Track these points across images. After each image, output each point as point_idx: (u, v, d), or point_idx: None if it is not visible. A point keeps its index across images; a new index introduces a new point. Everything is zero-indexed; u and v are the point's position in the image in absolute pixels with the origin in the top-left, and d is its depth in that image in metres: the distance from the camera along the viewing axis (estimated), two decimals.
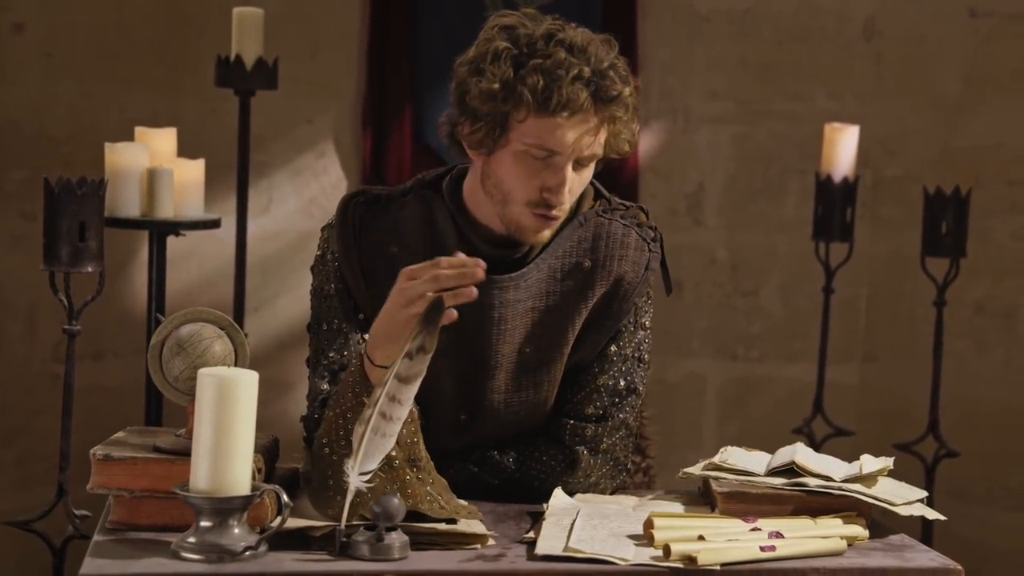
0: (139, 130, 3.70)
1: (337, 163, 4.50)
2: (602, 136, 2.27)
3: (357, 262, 2.33)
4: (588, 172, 2.31)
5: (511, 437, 2.37)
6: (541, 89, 2.21)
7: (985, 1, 4.47)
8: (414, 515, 2.09)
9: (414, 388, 2.06)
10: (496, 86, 2.23)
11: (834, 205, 4.06)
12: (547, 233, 2.31)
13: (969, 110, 4.50)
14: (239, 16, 3.86)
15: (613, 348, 2.37)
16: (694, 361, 4.60)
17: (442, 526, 2.10)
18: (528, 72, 2.22)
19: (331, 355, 2.31)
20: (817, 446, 3.98)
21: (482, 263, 2.08)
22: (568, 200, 2.28)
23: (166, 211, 3.57)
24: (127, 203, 3.54)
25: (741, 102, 4.56)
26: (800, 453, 2.28)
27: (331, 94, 4.48)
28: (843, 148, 4.07)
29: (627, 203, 2.42)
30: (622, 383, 2.37)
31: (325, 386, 2.29)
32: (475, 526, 2.13)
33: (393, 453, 2.11)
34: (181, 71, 4.35)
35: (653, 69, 4.52)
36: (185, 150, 3.73)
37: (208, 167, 3.74)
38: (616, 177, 4.45)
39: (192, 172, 3.66)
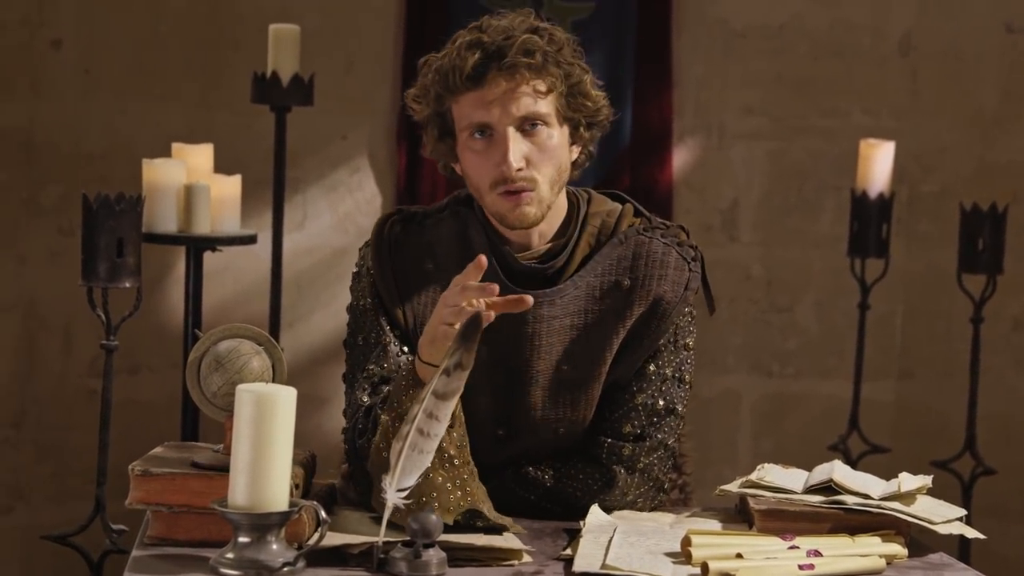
0: (176, 146, 3.72)
1: (372, 179, 4.51)
2: (530, 92, 2.24)
3: (392, 279, 2.34)
4: (548, 138, 2.27)
5: (548, 454, 2.37)
6: (441, 72, 2.27)
7: (1021, 16, 4.45)
8: (465, 520, 2.12)
9: (452, 405, 2.06)
10: (417, 89, 2.32)
11: (870, 221, 4.05)
12: (530, 210, 2.27)
13: (1006, 125, 4.48)
14: (275, 32, 3.88)
15: (652, 367, 2.36)
16: (729, 377, 4.59)
17: (480, 542, 2.10)
18: (436, 64, 2.29)
19: (370, 367, 2.32)
20: (853, 463, 3.96)
21: (529, 299, 2.12)
22: (531, 170, 2.26)
23: (203, 227, 3.59)
24: (164, 219, 3.56)
25: (776, 118, 4.55)
26: (838, 471, 2.27)
27: (366, 110, 4.50)
28: (879, 164, 4.06)
29: (667, 222, 2.40)
30: (661, 403, 2.36)
31: (365, 398, 2.29)
32: (512, 542, 2.13)
33: (453, 451, 2.13)
34: (217, 87, 4.37)
35: (688, 85, 4.52)
36: (221, 166, 3.74)
37: (244, 183, 3.75)
38: (651, 193, 4.45)
39: (228, 188, 3.67)
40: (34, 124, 4.24)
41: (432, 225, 2.37)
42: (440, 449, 2.10)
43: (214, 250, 3.68)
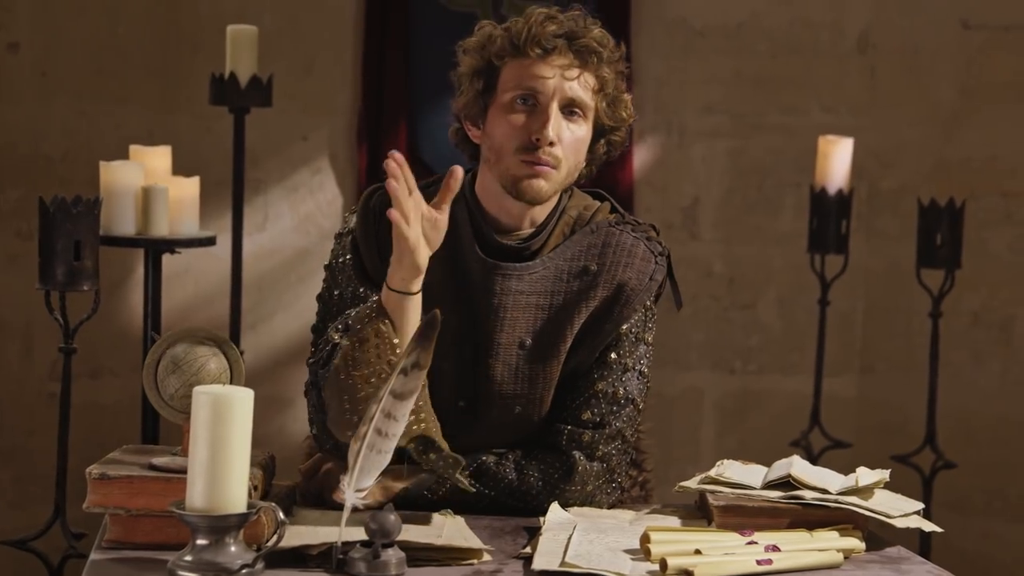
0: (134, 148, 3.70)
1: (333, 179, 4.50)
2: (584, 81, 2.34)
3: (375, 245, 2.37)
4: (581, 130, 2.35)
5: (508, 443, 2.38)
6: (514, 32, 2.34)
7: (978, 13, 4.48)
8: (418, 448, 2.17)
9: (409, 404, 2.06)
10: (477, 40, 2.38)
11: (829, 218, 4.06)
12: (543, 185, 2.33)
13: (963, 122, 4.50)
14: (233, 34, 3.87)
15: (613, 355, 2.40)
16: (692, 374, 4.60)
17: (438, 542, 2.10)
18: (505, 24, 2.37)
19: (348, 312, 2.33)
20: (815, 458, 3.98)
21: (458, 170, 2.23)
22: (560, 149, 2.33)
23: (161, 229, 3.58)
24: (122, 221, 3.54)
25: (736, 116, 4.57)
26: (796, 466, 2.28)
27: (326, 111, 4.49)
28: (838, 161, 4.08)
29: (640, 220, 2.47)
30: (621, 391, 2.39)
31: (336, 337, 2.30)
32: (472, 541, 2.13)
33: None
34: (176, 89, 4.35)
35: (647, 84, 4.53)
36: (180, 168, 3.73)
37: (203, 185, 3.74)
38: (612, 191, 4.43)
39: (187, 190, 3.66)
40: None
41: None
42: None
43: (173, 252, 3.66)
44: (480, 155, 2.41)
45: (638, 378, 2.41)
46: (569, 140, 2.35)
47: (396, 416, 2.05)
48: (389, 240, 2.34)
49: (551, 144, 2.33)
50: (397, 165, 2.19)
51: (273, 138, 4.39)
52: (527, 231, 2.40)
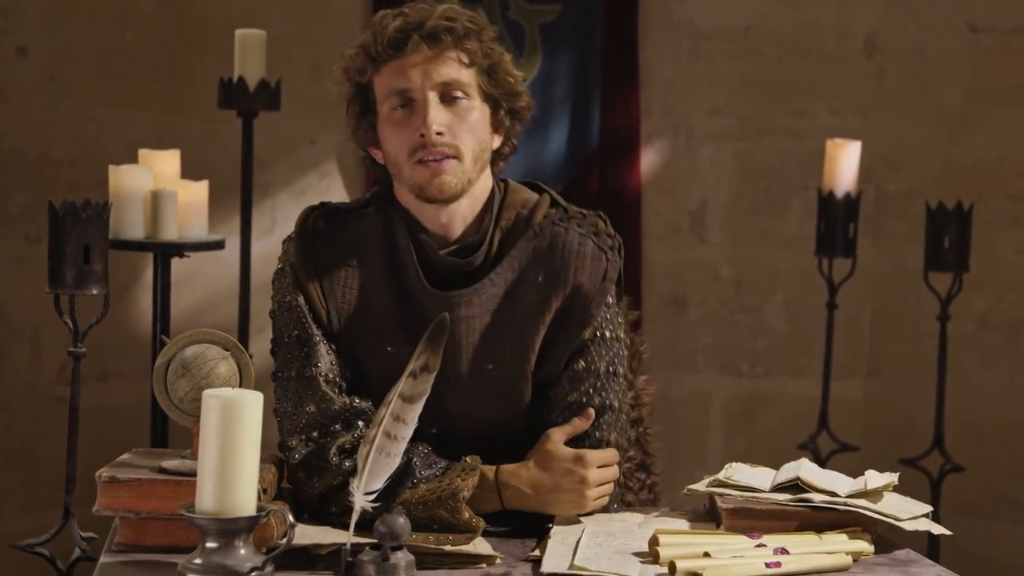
0: (143, 152, 3.71)
1: (340, 183, 4.51)
2: (452, 58, 2.27)
3: (315, 273, 2.32)
4: (469, 110, 2.28)
5: (493, 455, 2.32)
6: (367, 44, 2.30)
7: (985, 16, 4.47)
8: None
9: (418, 407, 2.06)
10: (337, 67, 2.36)
11: (837, 221, 4.06)
12: (450, 180, 2.26)
13: (971, 125, 4.50)
14: (242, 37, 3.88)
15: (581, 364, 2.33)
16: (699, 377, 4.60)
17: (448, 547, 2.10)
18: (358, 43, 2.33)
19: (307, 374, 2.28)
20: (822, 462, 3.98)
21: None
22: (452, 138, 2.26)
23: (170, 233, 3.58)
24: (131, 225, 3.54)
25: (743, 119, 4.57)
26: (805, 469, 2.28)
27: (334, 114, 4.43)
28: (845, 164, 4.07)
29: (585, 211, 2.38)
30: (596, 400, 2.32)
31: (311, 407, 2.26)
32: (481, 546, 2.14)
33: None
34: (184, 93, 4.36)
35: (655, 87, 4.53)
36: (188, 172, 3.73)
37: (211, 188, 3.74)
38: (620, 194, 4.47)
39: (196, 193, 3.67)
40: (0, 132, 4.22)
41: (355, 220, 2.35)
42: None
43: (181, 256, 3.67)
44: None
45: (612, 379, 2.34)
46: (459, 124, 2.27)
47: (405, 419, 2.05)
48: (329, 267, 2.31)
49: (439, 134, 2.26)
50: None
51: (281, 142, 4.39)
52: (463, 233, 2.32)
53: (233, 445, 1.91)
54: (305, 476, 2.26)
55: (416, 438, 2.22)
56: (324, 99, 4.42)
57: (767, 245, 4.59)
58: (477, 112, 2.30)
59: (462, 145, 2.28)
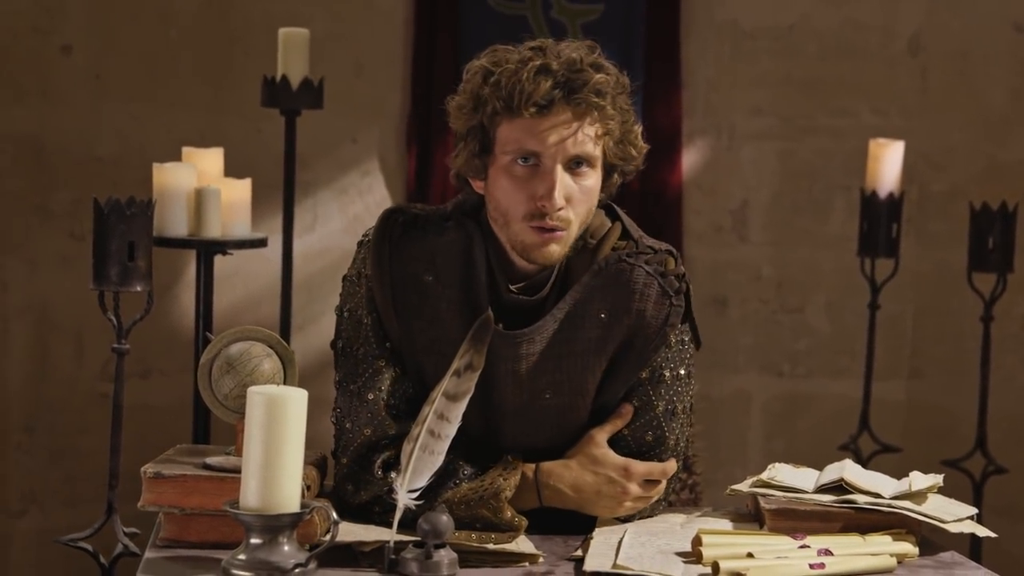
0: (186, 150, 3.72)
1: (382, 182, 4.51)
2: (588, 133, 2.19)
3: (389, 285, 2.27)
4: (590, 181, 2.22)
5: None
6: (504, 88, 2.18)
7: None
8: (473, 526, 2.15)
9: (462, 406, 2.06)
10: (465, 99, 2.23)
11: (879, 221, 4.04)
12: (556, 249, 2.21)
13: (1015, 124, 4.47)
14: (285, 36, 3.89)
15: (636, 402, 2.28)
16: (740, 377, 4.59)
17: (491, 545, 2.10)
18: (494, 78, 2.20)
19: (369, 397, 2.26)
20: (864, 462, 3.96)
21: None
22: (569, 210, 2.20)
23: (213, 230, 3.59)
24: (175, 223, 3.56)
25: (785, 118, 4.55)
26: (849, 470, 2.27)
27: (376, 113, 4.50)
28: (888, 163, 4.05)
29: (656, 246, 2.30)
30: (649, 437, 2.29)
31: (368, 431, 2.25)
32: (524, 544, 2.14)
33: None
34: (227, 91, 4.38)
35: (697, 86, 4.52)
36: (232, 170, 3.75)
37: (254, 186, 3.76)
38: (661, 194, 4.46)
39: (239, 191, 3.68)
40: (45, 130, 4.25)
41: (435, 233, 2.29)
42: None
43: (224, 253, 3.68)
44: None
45: (670, 418, 2.29)
46: (578, 196, 2.21)
47: (449, 418, 2.05)
48: (403, 281, 2.26)
49: (560, 208, 2.19)
50: None
51: (323, 140, 4.40)
52: (538, 272, 2.26)
53: (277, 442, 1.92)
54: (353, 489, 2.26)
55: (474, 466, 2.23)
56: (366, 98, 4.48)
57: (809, 245, 4.57)
58: (593, 183, 2.23)
59: (575, 216, 2.21)
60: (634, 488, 2.25)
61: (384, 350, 2.28)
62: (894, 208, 4.04)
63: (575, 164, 2.20)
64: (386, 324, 2.28)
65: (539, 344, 2.24)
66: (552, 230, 2.20)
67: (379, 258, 2.28)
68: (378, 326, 2.28)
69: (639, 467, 2.26)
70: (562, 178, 2.19)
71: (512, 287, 2.26)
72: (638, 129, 2.26)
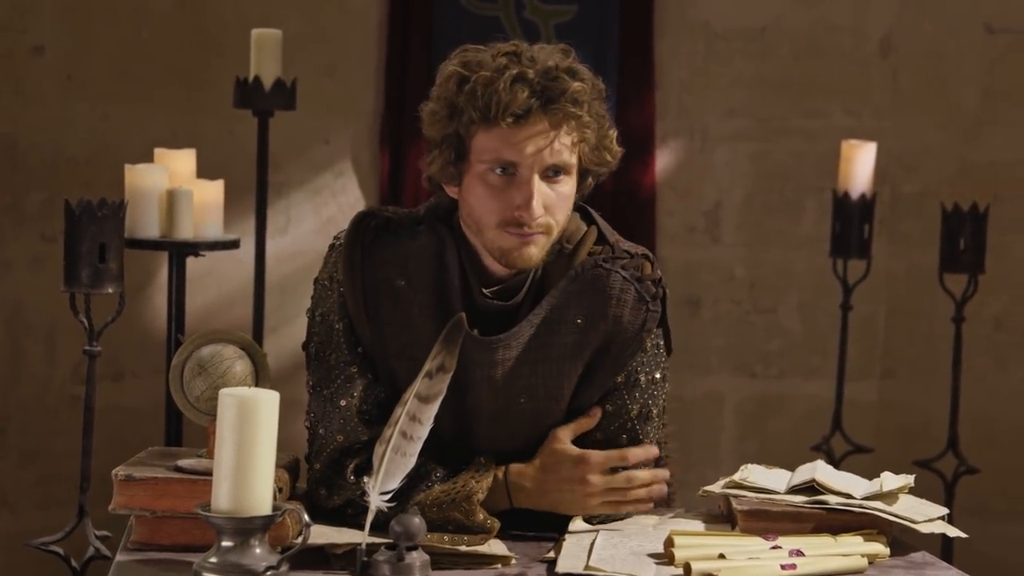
0: (158, 151, 3.71)
1: (355, 183, 4.51)
2: (565, 141, 2.18)
3: (361, 291, 2.26)
4: (566, 187, 2.21)
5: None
6: (481, 98, 2.16)
7: (1001, 17, 4.47)
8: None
9: (434, 407, 2.06)
10: (440, 106, 2.20)
11: (852, 222, 4.05)
12: (535, 251, 2.20)
13: (986, 126, 4.49)
14: (258, 37, 3.88)
15: (609, 407, 2.29)
16: (712, 378, 4.60)
17: (463, 547, 2.10)
18: (470, 86, 2.18)
19: (342, 403, 2.26)
20: (836, 463, 3.97)
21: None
22: (548, 217, 2.19)
23: (185, 232, 3.58)
24: (147, 224, 3.55)
25: (758, 119, 4.56)
26: (820, 471, 2.28)
27: (349, 114, 4.50)
28: (860, 165, 4.07)
29: (632, 251, 2.29)
30: (623, 439, 2.29)
31: (341, 438, 2.25)
32: (496, 546, 2.14)
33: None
34: (200, 92, 4.37)
35: (670, 88, 4.53)
36: (204, 171, 3.74)
37: (227, 187, 3.74)
38: (634, 195, 4.46)
39: (211, 193, 3.67)
40: (17, 130, 4.23)
41: (408, 237, 2.28)
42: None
43: (197, 255, 3.67)
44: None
45: (644, 422, 2.30)
46: (555, 202, 2.20)
47: (421, 419, 2.05)
48: (376, 286, 2.25)
49: (538, 217, 2.18)
50: None
51: (295, 141, 4.40)
52: (512, 277, 2.26)
53: (249, 444, 1.92)
54: (326, 494, 2.25)
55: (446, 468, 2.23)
56: (339, 98, 4.48)
57: (781, 246, 4.58)
58: (569, 189, 2.22)
59: (553, 222, 2.21)
60: (596, 479, 2.24)
61: (356, 356, 2.27)
62: (866, 209, 4.05)
63: (552, 172, 2.20)
64: (358, 330, 2.27)
65: (515, 349, 2.24)
66: (529, 235, 2.20)
67: (351, 263, 2.27)
68: (350, 332, 2.27)
69: (596, 456, 2.25)
70: (539, 187, 2.18)
71: (485, 291, 2.26)
72: (613, 133, 2.26)
